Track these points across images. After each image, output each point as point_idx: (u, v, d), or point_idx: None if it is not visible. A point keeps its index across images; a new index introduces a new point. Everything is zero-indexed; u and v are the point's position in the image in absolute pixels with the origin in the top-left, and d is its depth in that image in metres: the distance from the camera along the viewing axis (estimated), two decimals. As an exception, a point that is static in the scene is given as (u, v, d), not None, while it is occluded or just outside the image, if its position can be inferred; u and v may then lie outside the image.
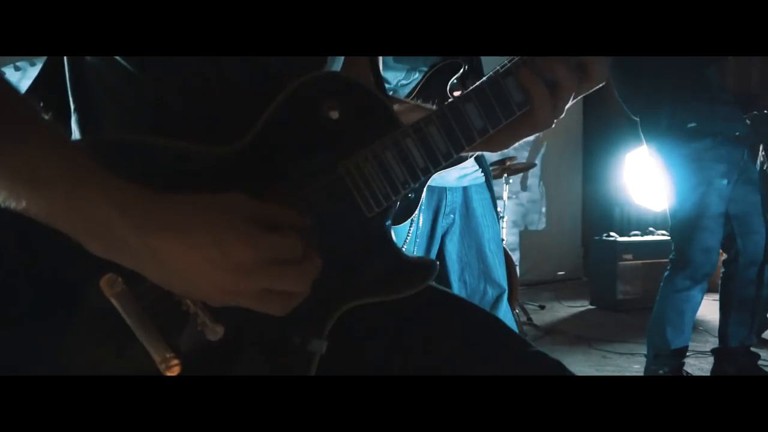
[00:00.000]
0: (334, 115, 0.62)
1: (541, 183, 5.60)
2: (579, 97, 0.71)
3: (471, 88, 0.67)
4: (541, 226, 5.66)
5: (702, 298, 2.48)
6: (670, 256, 2.49)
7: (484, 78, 0.68)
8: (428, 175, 0.66)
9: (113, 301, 0.53)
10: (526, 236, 5.48)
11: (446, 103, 0.66)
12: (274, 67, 0.67)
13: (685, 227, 2.41)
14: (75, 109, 0.67)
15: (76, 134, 0.67)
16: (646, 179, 4.74)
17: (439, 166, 0.66)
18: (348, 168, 0.63)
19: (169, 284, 0.50)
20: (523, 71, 0.66)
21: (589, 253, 4.85)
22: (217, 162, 0.61)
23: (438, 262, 0.67)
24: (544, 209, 5.68)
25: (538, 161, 5.11)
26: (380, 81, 0.77)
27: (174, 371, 0.53)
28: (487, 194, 1.96)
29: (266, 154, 0.61)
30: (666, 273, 2.50)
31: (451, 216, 1.90)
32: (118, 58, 0.64)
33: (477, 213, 1.91)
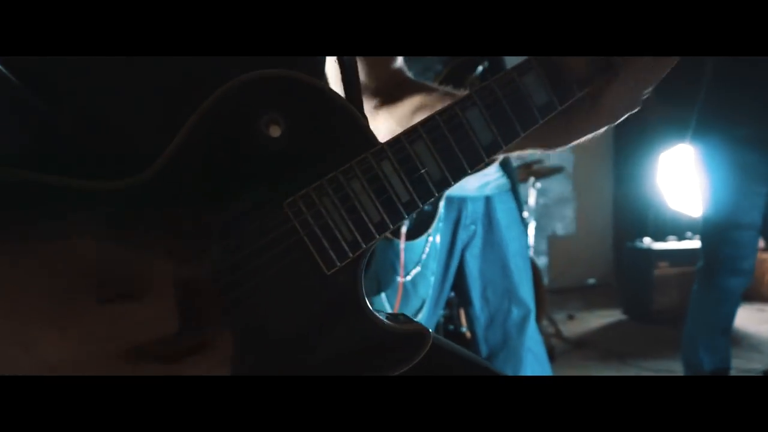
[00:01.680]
0: (276, 132, 0.45)
1: (570, 184, 5.38)
2: (661, 74, 0.54)
3: (475, 89, 0.50)
4: (570, 230, 5.44)
5: (735, 312, 2.26)
6: (698, 266, 2.28)
7: (495, 77, 0.51)
8: (414, 211, 0.48)
9: None
10: (554, 241, 5.27)
11: (438, 110, 0.49)
12: (209, 72, 0.48)
13: (715, 235, 2.21)
14: None
15: None
16: (682, 181, 4.49)
17: (429, 199, 0.48)
18: (297, 206, 0.45)
19: None
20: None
21: (622, 260, 4.60)
22: (106, 203, 0.42)
23: (431, 330, 0.50)
24: (573, 212, 5.46)
25: (565, 162, 4.88)
26: (351, 79, 0.58)
27: None
28: (513, 203, 1.79)
29: (178, 190, 0.43)
30: (694, 286, 2.29)
31: (472, 227, 1.73)
32: None
33: (501, 224, 1.74)
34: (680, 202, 4.71)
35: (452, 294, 1.96)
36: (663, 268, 4.01)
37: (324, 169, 0.46)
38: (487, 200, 1.74)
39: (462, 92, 0.66)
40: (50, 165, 0.43)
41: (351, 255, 0.47)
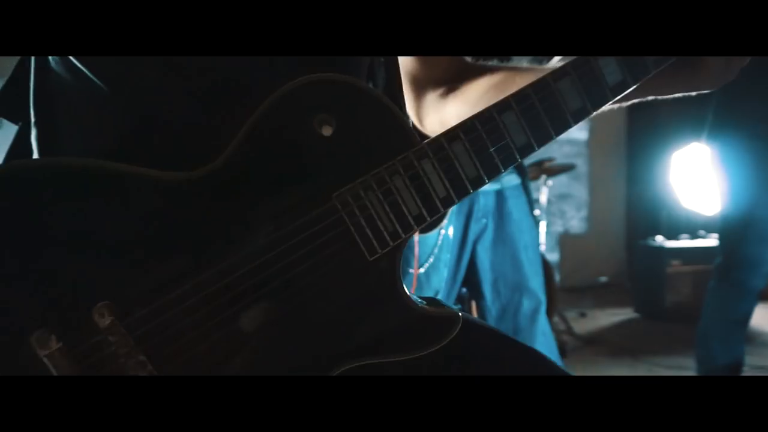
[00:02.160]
0: (327, 131, 0.50)
1: (583, 183, 5.37)
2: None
3: (512, 93, 0.53)
4: (583, 228, 5.43)
5: (752, 310, 2.26)
6: (716, 262, 2.29)
7: (532, 82, 0.54)
8: (450, 206, 0.52)
9: (45, 361, 0.44)
10: (566, 239, 5.27)
11: (477, 113, 0.53)
12: (244, 79, 0.54)
13: (735, 232, 2.20)
14: (35, 123, 0.56)
15: (35, 152, 0.57)
16: (695, 180, 4.47)
17: (465, 195, 0.52)
18: (345, 199, 0.50)
19: None
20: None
21: (634, 259, 4.60)
22: (174, 192, 0.48)
23: (461, 314, 0.54)
24: (585, 210, 5.45)
25: (578, 160, 4.89)
26: (393, 80, 0.62)
27: None
28: (523, 198, 1.83)
29: (237, 182, 0.49)
30: (711, 282, 2.29)
31: (483, 221, 1.77)
32: (84, 69, 0.52)
33: (512, 218, 1.77)
34: (693, 200, 4.70)
35: (464, 290, 2.00)
36: (675, 267, 4.00)
37: (370, 166, 0.51)
38: (498, 194, 1.78)
39: (524, 65, 0.68)
40: (115, 157, 0.49)
41: (391, 243, 0.51)
